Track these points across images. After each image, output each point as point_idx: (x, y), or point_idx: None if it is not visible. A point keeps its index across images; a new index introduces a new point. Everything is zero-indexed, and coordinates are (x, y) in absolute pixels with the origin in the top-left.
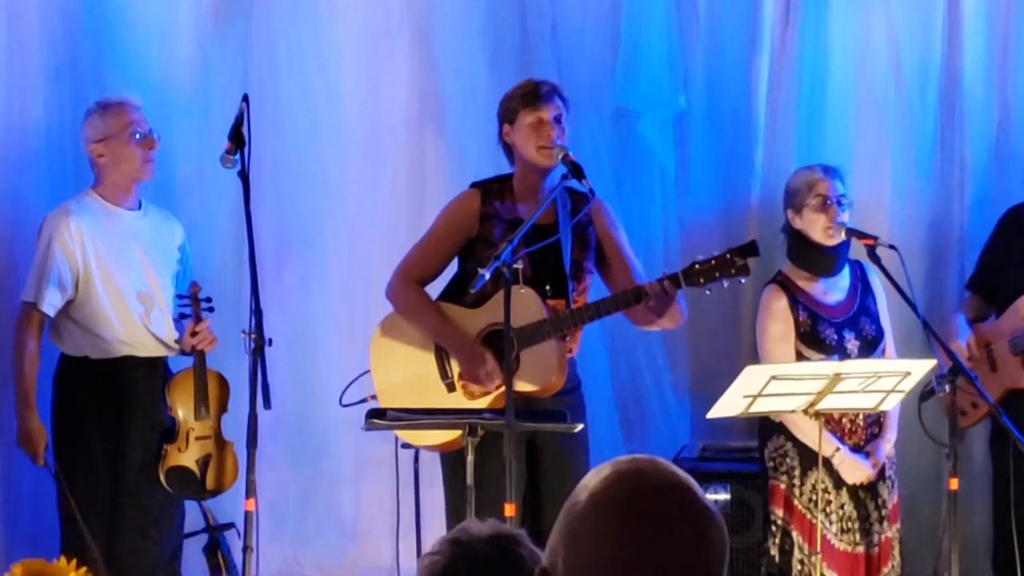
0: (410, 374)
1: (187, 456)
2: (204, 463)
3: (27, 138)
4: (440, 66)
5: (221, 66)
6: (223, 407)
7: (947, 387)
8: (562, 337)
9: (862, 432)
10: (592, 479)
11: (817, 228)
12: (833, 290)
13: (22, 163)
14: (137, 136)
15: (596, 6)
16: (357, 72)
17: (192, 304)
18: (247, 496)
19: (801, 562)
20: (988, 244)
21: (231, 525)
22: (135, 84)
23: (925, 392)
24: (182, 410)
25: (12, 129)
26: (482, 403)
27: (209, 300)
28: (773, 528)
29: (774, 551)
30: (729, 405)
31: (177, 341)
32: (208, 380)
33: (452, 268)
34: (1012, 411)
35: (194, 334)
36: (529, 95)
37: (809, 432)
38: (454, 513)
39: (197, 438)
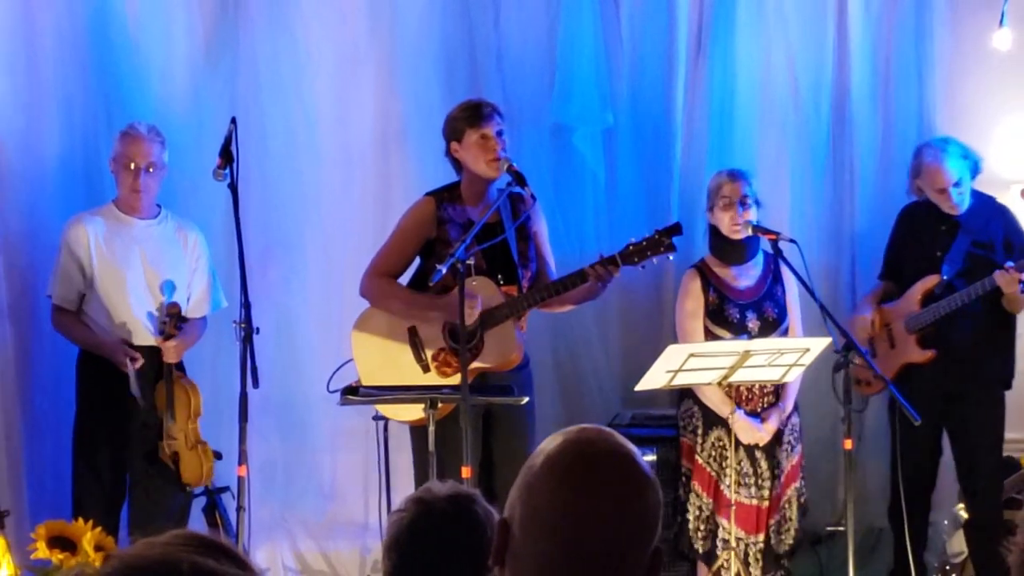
0: (389, 362)
1: (164, 451)
2: (175, 460)
3: (43, 158)
4: (401, 91)
5: (212, 93)
6: (192, 413)
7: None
8: (517, 318)
9: (758, 400)
10: (548, 444)
11: (724, 224)
12: (744, 276)
13: (39, 180)
14: (131, 167)
15: (535, 37)
16: (330, 97)
17: (168, 321)
18: (240, 463)
19: (700, 508)
20: (890, 240)
21: (227, 488)
22: (138, 110)
23: (838, 364)
24: (159, 412)
25: (31, 150)
26: (454, 380)
27: (183, 319)
28: (684, 478)
29: (683, 495)
30: (654, 379)
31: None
32: (176, 390)
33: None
34: (909, 381)
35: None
36: (474, 116)
37: (711, 397)
38: (420, 476)
39: (170, 438)
